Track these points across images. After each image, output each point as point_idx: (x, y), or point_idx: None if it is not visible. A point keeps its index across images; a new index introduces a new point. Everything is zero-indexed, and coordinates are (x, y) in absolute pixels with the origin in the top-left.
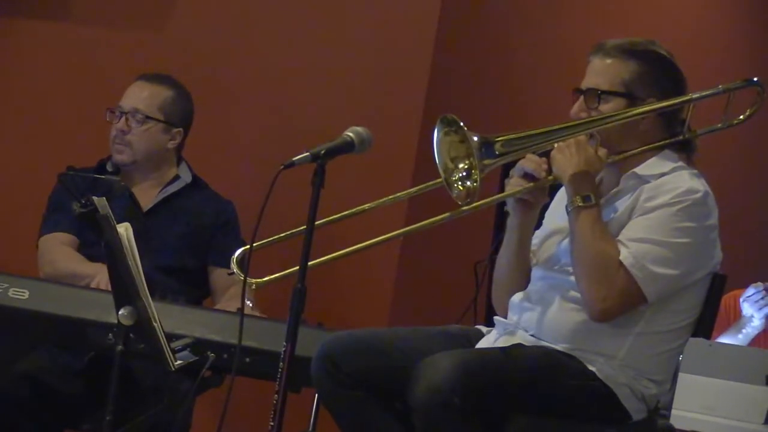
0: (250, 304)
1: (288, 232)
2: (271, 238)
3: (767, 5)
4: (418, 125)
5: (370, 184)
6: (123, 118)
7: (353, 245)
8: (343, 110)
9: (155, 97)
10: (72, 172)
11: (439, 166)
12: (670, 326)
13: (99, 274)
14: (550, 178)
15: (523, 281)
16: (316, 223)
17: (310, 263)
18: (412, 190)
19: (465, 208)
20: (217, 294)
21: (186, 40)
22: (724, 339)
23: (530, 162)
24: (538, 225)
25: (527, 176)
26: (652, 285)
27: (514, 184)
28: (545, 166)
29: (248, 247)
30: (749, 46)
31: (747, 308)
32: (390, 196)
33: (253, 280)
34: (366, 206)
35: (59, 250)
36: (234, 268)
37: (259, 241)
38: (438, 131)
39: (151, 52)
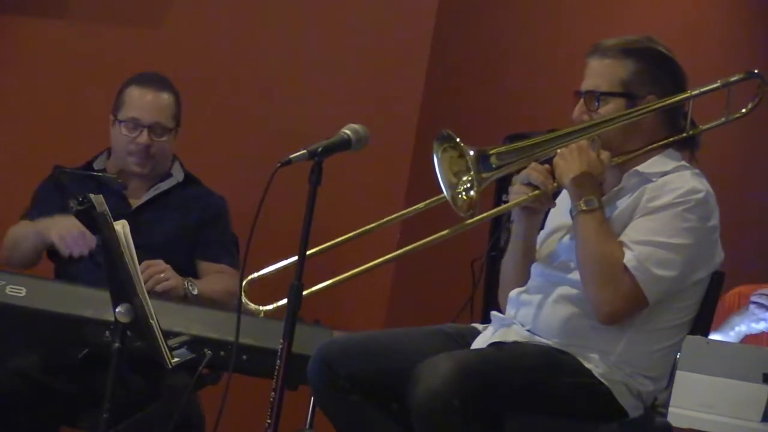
0: (194, 290)
1: (284, 262)
2: (268, 269)
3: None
4: (415, 123)
5: (366, 182)
6: (145, 133)
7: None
8: (340, 108)
9: (169, 107)
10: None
11: (442, 183)
12: (667, 323)
13: (54, 225)
14: (555, 185)
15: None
16: (312, 251)
17: (305, 292)
18: (411, 209)
19: (468, 221)
20: None
21: (183, 37)
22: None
23: (535, 172)
24: (542, 227)
25: (530, 184)
26: (653, 287)
27: (517, 192)
28: (551, 177)
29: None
30: (749, 40)
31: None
32: (390, 217)
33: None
34: (363, 229)
35: (18, 226)
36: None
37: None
38: (437, 149)
39: (148, 50)
